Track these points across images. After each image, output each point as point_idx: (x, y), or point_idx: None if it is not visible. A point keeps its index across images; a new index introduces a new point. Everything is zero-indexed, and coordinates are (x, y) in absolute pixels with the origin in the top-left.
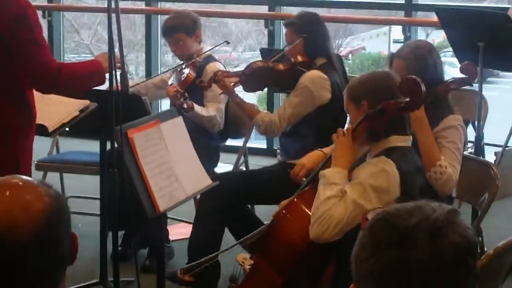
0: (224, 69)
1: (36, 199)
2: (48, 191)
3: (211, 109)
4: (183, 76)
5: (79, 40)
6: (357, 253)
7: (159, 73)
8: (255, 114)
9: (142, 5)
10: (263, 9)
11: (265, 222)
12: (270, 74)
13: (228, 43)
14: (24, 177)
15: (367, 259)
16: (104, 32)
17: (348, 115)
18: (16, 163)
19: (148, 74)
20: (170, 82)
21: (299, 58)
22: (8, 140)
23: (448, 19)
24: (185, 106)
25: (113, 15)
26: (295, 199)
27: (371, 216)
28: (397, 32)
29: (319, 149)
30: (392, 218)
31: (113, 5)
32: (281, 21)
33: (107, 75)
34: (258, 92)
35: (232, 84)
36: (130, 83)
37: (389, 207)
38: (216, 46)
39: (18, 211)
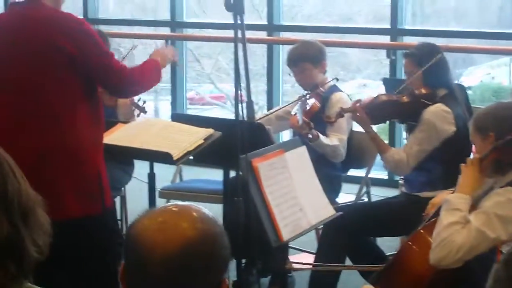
0: (349, 99)
1: (192, 232)
2: (207, 229)
3: (335, 139)
4: (307, 105)
5: (200, 70)
6: (491, 286)
7: (280, 103)
8: (387, 150)
9: (263, 35)
10: (384, 39)
11: (387, 254)
12: (394, 107)
13: (337, 80)
14: (205, 212)
15: None
16: (224, 62)
17: (473, 146)
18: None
19: (270, 103)
20: (293, 112)
21: (423, 90)
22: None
23: None
24: (310, 136)
25: (239, 44)
26: (421, 230)
27: (506, 250)
28: None
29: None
30: None
31: (239, 35)
32: (402, 51)
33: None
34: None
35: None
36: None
37: None
38: (327, 82)
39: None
